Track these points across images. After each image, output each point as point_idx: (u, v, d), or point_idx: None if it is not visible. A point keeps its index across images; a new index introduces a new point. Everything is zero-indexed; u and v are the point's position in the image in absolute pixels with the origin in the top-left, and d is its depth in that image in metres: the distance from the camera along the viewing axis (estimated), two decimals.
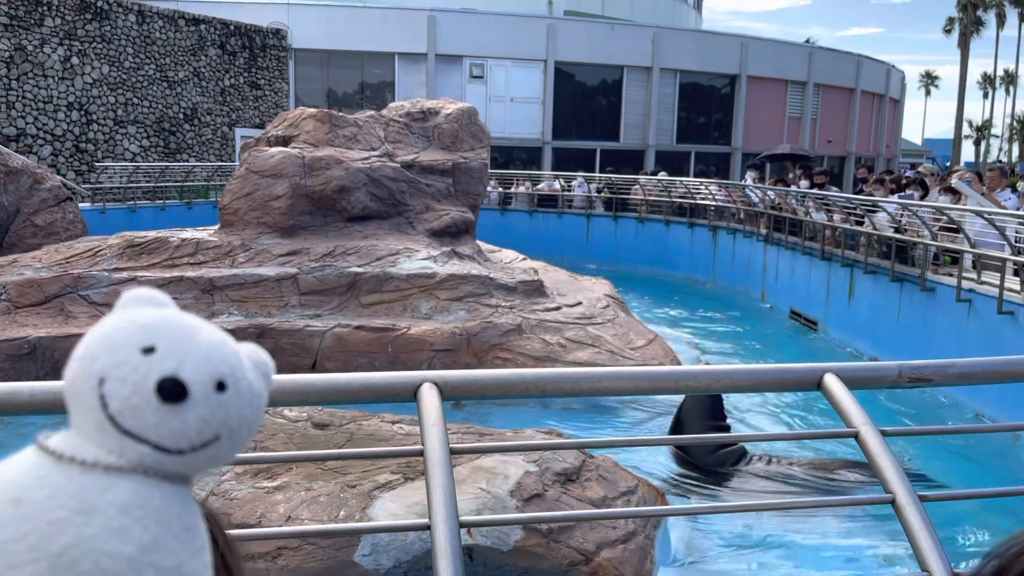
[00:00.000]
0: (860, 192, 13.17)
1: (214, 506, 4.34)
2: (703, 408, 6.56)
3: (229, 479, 4.57)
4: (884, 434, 1.42)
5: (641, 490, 5.46)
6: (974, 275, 8.96)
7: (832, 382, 1.48)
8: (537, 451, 4.44)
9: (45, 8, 18.99)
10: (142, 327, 0.72)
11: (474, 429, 5.50)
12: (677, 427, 6.63)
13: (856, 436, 1.40)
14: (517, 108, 28.99)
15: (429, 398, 1.31)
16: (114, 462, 0.69)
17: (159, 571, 0.66)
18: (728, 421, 6.84)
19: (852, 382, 1.50)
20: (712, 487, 6.11)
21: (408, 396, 1.35)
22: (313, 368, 8.91)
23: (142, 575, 0.65)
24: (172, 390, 0.69)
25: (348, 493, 4.39)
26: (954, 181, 10.64)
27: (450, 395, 1.33)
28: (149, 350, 0.70)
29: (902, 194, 11.66)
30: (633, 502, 5.29)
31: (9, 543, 0.63)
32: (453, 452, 1.22)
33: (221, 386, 0.71)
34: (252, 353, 0.78)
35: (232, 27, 23.86)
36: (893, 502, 1.34)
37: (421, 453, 1.22)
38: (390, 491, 4.43)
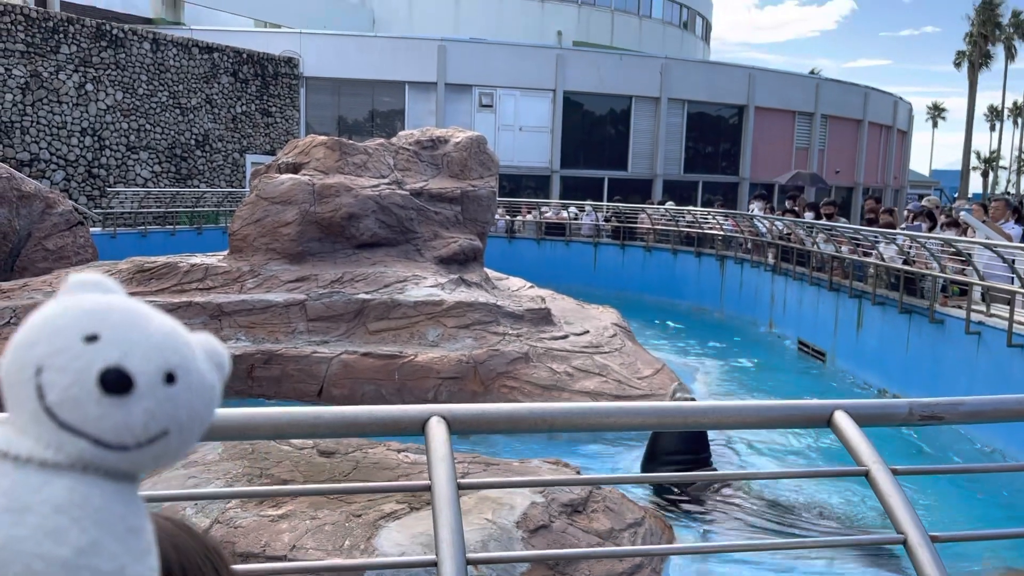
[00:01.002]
0: (869, 223, 13.17)
1: (217, 535, 4.32)
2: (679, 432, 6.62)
3: (234, 506, 4.55)
4: (895, 473, 1.41)
5: (648, 522, 5.41)
6: (983, 308, 8.92)
7: (842, 419, 1.47)
8: (546, 486, 4.40)
9: (61, 36, 19.27)
10: (85, 313, 0.66)
11: (481, 459, 5.47)
12: (651, 446, 6.75)
13: (867, 475, 1.39)
14: (526, 137, 29.18)
15: (437, 432, 1.31)
16: (50, 457, 0.63)
17: (97, 575, 0.61)
18: (719, 449, 6.98)
19: (862, 419, 1.49)
20: (686, 507, 6.20)
21: (416, 430, 1.34)
22: (319, 395, 8.90)
23: None
24: (116, 381, 0.64)
25: (353, 522, 4.36)
26: (962, 215, 10.62)
27: (458, 429, 1.33)
28: (92, 338, 0.65)
29: (910, 225, 11.65)
30: (640, 534, 5.24)
31: None
32: (461, 487, 1.22)
33: (170, 378, 0.66)
34: (205, 343, 0.73)
35: (245, 55, 24.15)
36: (904, 543, 1.32)
37: (428, 488, 1.22)
38: (395, 521, 4.40)
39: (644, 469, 6.74)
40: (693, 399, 7.16)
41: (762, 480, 6.22)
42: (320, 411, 1.36)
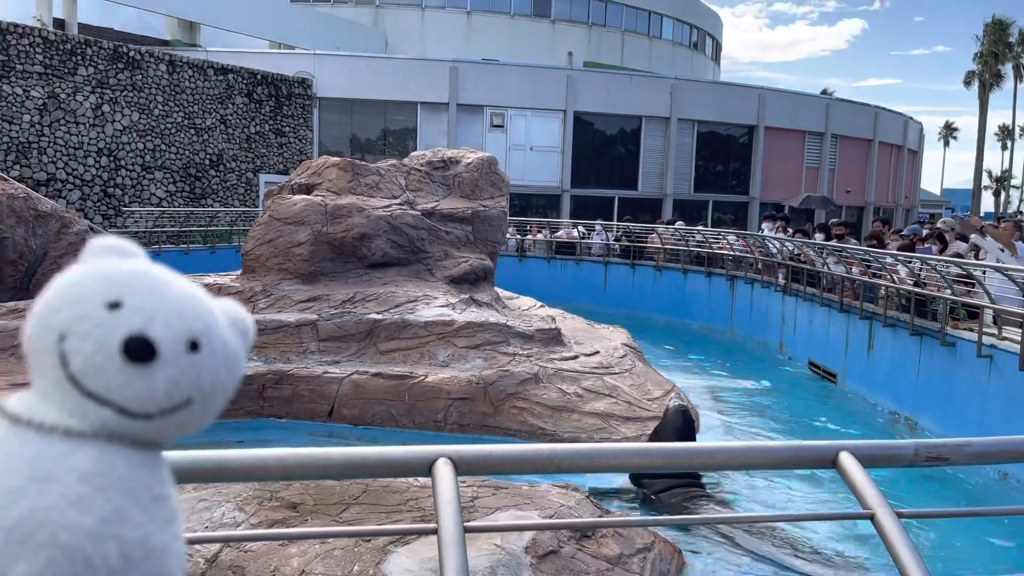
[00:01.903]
0: (877, 247, 13.12)
1: (227, 559, 4.33)
2: (671, 428, 7.12)
3: (244, 530, 4.56)
4: (900, 516, 1.41)
5: (657, 547, 5.39)
6: (995, 330, 8.87)
7: (847, 460, 1.48)
8: (558, 529, 4.40)
9: (79, 57, 19.54)
10: (108, 279, 0.65)
11: (490, 483, 5.47)
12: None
13: (872, 518, 1.40)
14: (536, 156, 29.31)
15: (444, 474, 1.33)
16: (75, 426, 0.62)
17: (123, 544, 0.59)
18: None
19: (868, 460, 1.50)
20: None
21: (423, 471, 1.36)
22: (330, 415, 8.92)
23: (104, 549, 0.59)
24: (139, 349, 0.62)
25: (363, 547, 4.37)
26: (973, 236, 10.59)
27: (465, 471, 1.35)
28: (115, 305, 0.63)
29: (921, 247, 11.62)
30: (649, 559, 5.22)
31: None
32: (468, 531, 1.24)
33: (194, 345, 0.64)
34: (229, 309, 0.71)
35: (259, 76, 24.41)
36: None
37: (435, 531, 1.24)
38: (404, 546, 4.40)
39: (632, 479, 7.07)
40: (680, 406, 7.36)
41: (765, 523, 6.20)
42: (329, 452, 1.39)
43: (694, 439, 7.34)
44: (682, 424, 7.28)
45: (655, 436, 7.42)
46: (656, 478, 6.86)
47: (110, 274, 0.65)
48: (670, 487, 6.84)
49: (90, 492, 0.60)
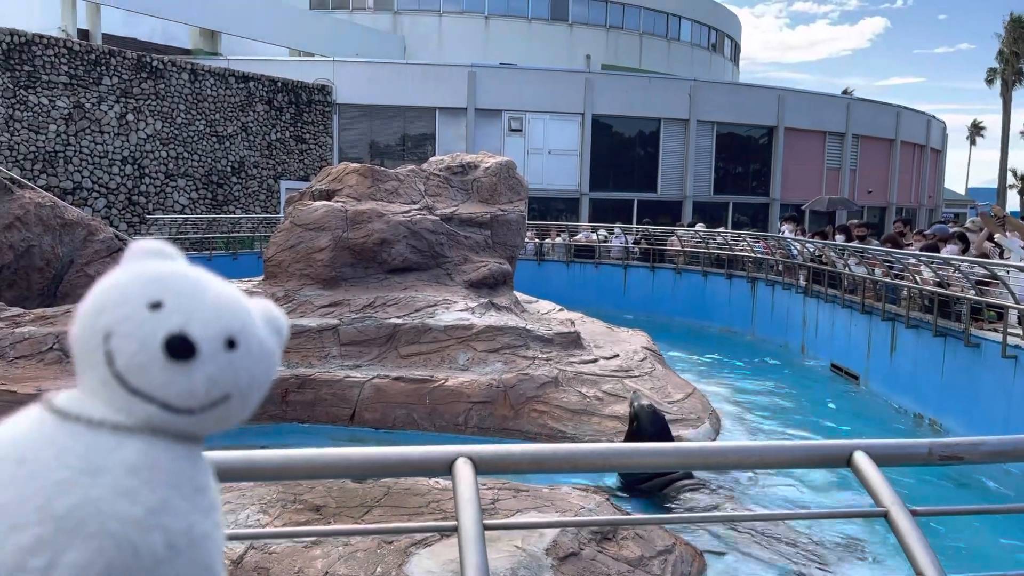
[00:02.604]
0: (897, 247, 13.02)
1: (252, 561, 4.39)
2: (650, 431, 7.19)
3: (269, 530, 4.62)
4: (914, 514, 1.43)
5: (678, 549, 5.39)
6: (1020, 331, 8.78)
7: (861, 460, 1.49)
8: (577, 526, 4.42)
9: (103, 68, 19.84)
10: (150, 281, 0.68)
11: (510, 485, 5.50)
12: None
13: (886, 516, 1.41)
14: (555, 160, 29.34)
15: (463, 474, 1.36)
16: (122, 421, 0.65)
17: (168, 534, 0.62)
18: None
19: (882, 460, 1.51)
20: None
21: (443, 471, 1.40)
22: (352, 419, 9.00)
23: (150, 538, 0.61)
24: (180, 347, 0.65)
25: (385, 549, 4.41)
26: (997, 236, 10.49)
27: (484, 470, 1.38)
28: (157, 305, 0.66)
29: (943, 248, 11.51)
30: (670, 561, 5.22)
31: (13, 504, 0.60)
32: (487, 528, 1.27)
33: (231, 344, 0.67)
34: (264, 309, 0.73)
35: (279, 84, 24.64)
36: None
37: (455, 529, 1.27)
38: (426, 547, 4.44)
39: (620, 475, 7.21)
40: (650, 406, 7.48)
41: (777, 521, 6.21)
42: (350, 452, 1.43)
43: (669, 435, 7.43)
44: (656, 421, 7.37)
45: (631, 438, 7.42)
46: (648, 479, 6.98)
47: (151, 276, 0.68)
48: (664, 485, 6.94)
49: (138, 484, 0.63)
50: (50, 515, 0.60)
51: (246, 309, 0.70)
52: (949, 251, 11.01)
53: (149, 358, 0.65)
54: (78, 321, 0.68)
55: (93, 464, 0.62)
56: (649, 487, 7.00)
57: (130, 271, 0.69)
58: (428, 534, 4.55)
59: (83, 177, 19.56)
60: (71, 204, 15.01)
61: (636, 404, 7.58)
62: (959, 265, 9.78)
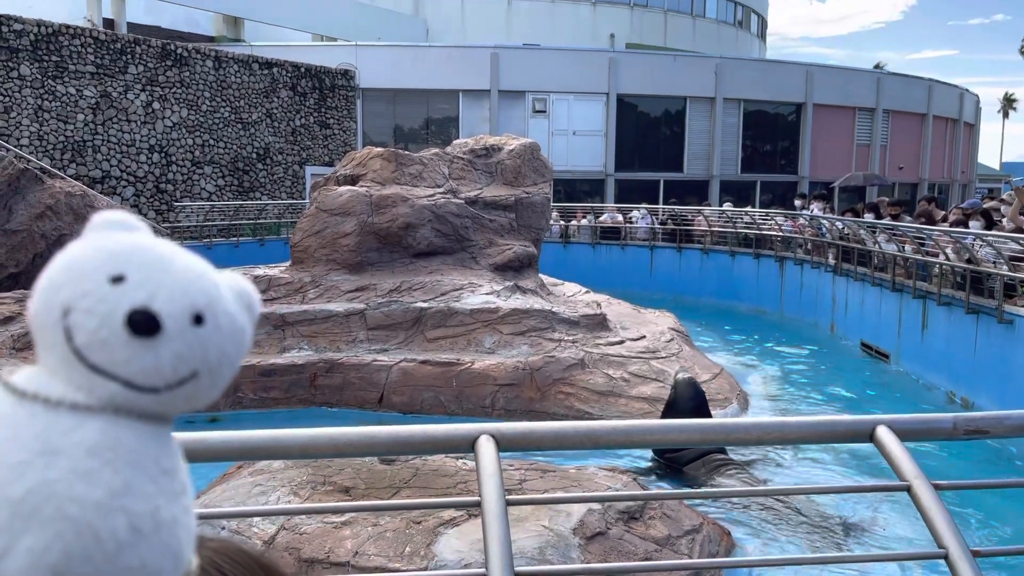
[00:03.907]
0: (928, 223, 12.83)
1: (283, 542, 4.47)
2: (686, 405, 7.30)
3: (304, 505, 4.70)
4: (937, 488, 1.42)
5: (706, 529, 5.40)
6: None
7: (884, 434, 1.49)
8: (597, 501, 4.44)
9: (129, 56, 20.03)
10: (111, 253, 0.64)
11: (538, 466, 5.53)
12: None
13: (908, 490, 1.41)
14: (580, 141, 29.18)
15: (486, 450, 1.38)
16: (82, 400, 0.62)
17: (131, 517, 0.60)
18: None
19: (905, 434, 1.51)
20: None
21: (466, 447, 1.41)
22: (380, 402, 9.09)
23: (112, 522, 0.59)
24: (143, 323, 0.62)
25: (414, 529, 4.47)
26: None
27: (506, 447, 1.39)
28: (118, 279, 0.63)
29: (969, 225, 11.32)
30: (698, 540, 5.23)
31: None
32: (509, 503, 1.29)
33: (198, 319, 0.64)
34: (234, 283, 0.70)
35: (303, 69, 24.72)
36: (946, 558, 1.34)
37: (478, 504, 1.29)
38: (454, 527, 4.49)
39: (656, 452, 7.34)
40: (689, 379, 7.49)
41: (803, 495, 6.19)
42: (375, 431, 1.45)
43: (707, 409, 7.49)
44: (694, 395, 7.44)
45: (669, 409, 7.52)
46: (680, 450, 7.01)
47: (113, 248, 0.65)
48: (696, 457, 6.96)
49: (98, 465, 0.60)
50: (5, 499, 0.56)
51: (214, 283, 0.67)
52: (972, 228, 10.82)
53: (111, 334, 0.62)
54: (36, 296, 0.65)
55: (50, 445, 0.59)
56: (675, 458, 7.04)
57: (91, 244, 0.65)
58: (456, 514, 4.60)
59: (111, 166, 19.81)
60: (100, 193, 15.22)
61: (677, 376, 7.68)
62: (992, 241, 9.62)
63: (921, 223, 12.15)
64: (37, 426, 0.60)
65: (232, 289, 0.69)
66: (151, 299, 0.62)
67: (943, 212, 13.22)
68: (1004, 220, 10.93)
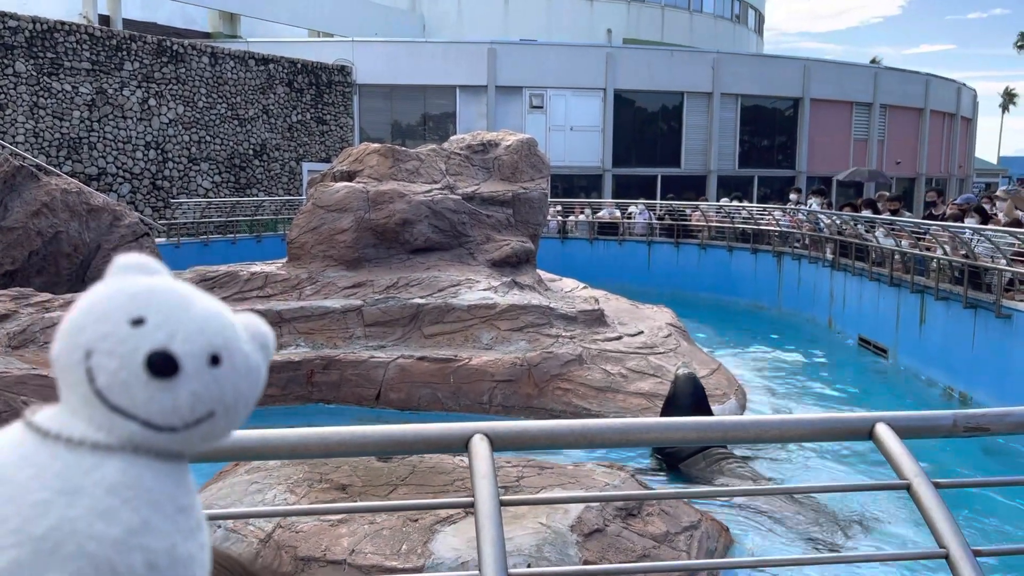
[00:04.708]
0: (930, 216, 12.84)
1: (280, 539, 4.44)
2: (686, 401, 7.28)
3: (297, 506, 4.68)
4: (937, 486, 1.40)
5: (704, 525, 5.38)
6: None
7: (884, 432, 1.47)
8: (592, 502, 4.42)
9: (125, 53, 19.95)
10: (131, 296, 0.67)
11: (535, 462, 5.51)
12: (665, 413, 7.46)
13: (908, 488, 1.39)
14: (577, 136, 29.13)
15: (480, 450, 1.36)
16: (102, 439, 0.64)
17: (149, 554, 0.61)
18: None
19: (905, 432, 1.49)
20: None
21: (460, 447, 1.39)
22: (377, 399, 9.06)
23: (130, 559, 0.61)
24: (162, 364, 0.64)
25: (411, 527, 4.45)
26: None
27: (500, 446, 1.37)
28: (138, 321, 0.65)
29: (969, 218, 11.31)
30: (696, 537, 5.22)
31: None
32: (503, 504, 1.26)
33: (215, 360, 0.66)
34: (249, 324, 0.72)
35: (299, 65, 24.65)
36: (947, 557, 1.32)
37: (472, 504, 1.27)
38: (451, 525, 4.47)
39: (654, 448, 7.32)
40: (688, 374, 7.47)
41: (800, 494, 6.18)
42: (367, 430, 1.43)
43: (707, 404, 7.48)
44: (694, 390, 7.42)
45: (668, 405, 7.50)
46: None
47: (133, 291, 0.67)
48: (695, 452, 6.97)
49: (117, 504, 0.62)
50: (28, 537, 0.59)
51: (231, 324, 0.69)
52: (968, 224, 10.81)
53: (131, 375, 0.64)
54: (59, 338, 0.67)
55: (71, 484, 0.62)
56: (674, 452, 7.04)
57: (112, 286, 0.68)
58: (454, 511, 4.58)
59: (107, 163, 19.75)
60: (96, 190, 15.16)
61: (677, 371, 7.68)
62: (990, 235, 9.60)
63: (928, 212, 12.11)
64: (59, 465, 0.63)
65: (247, 329, 0.72)
66: (170, 340, 0.65)
67: (944, 207, 13.20)
68: (1000, 215, 10.92)
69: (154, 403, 0.64)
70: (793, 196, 19.59)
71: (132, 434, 0.65)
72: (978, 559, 1.30)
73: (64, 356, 0.66)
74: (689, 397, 7.35)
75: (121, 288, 0.68)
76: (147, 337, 0.65)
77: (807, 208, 17.06)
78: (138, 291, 0.67)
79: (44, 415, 0.67)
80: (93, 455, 0.64)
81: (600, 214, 21.73)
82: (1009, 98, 74.57)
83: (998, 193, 13.00)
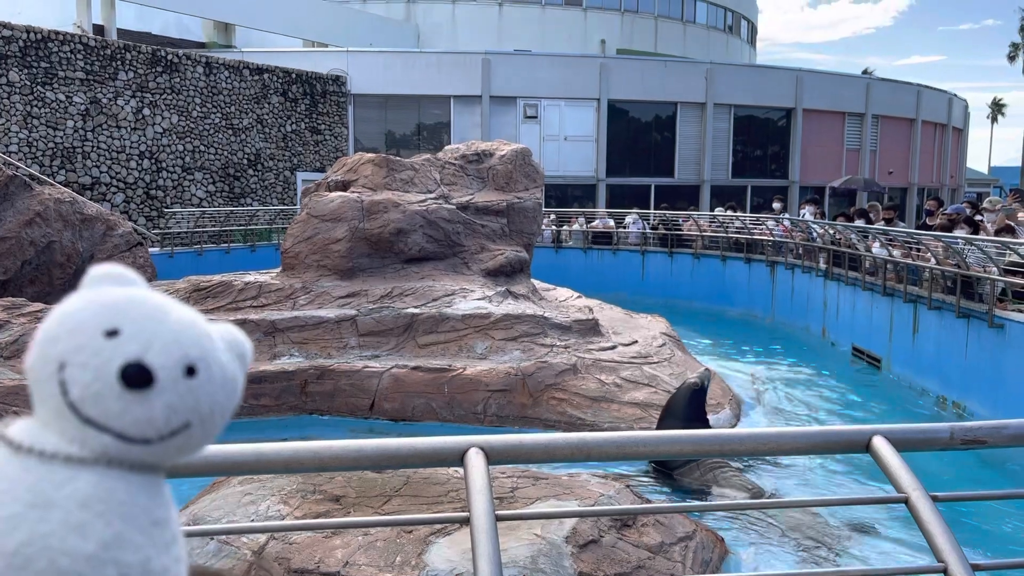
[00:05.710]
0: (924, 225, 12.89)
1: (273, 551, 4.41)
2: (683, 412, 7.27)
3: (289, 523, 4.65)
4: (935, 499, 1.40)
5: (699, 536, 5.37)
6: None
7: (881, 445, 1.46)
8: (587, 516, 4.41)
9: (119, 63, 19.94)
10: (105, 307, 0.65)
11: (530, 473, 5.50)
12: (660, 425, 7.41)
13: (906, 502, 1.38)
14: (571, 146, 29.20)
15: (475, 464, 1.35)
16: (75, 453, 0.63)
17: (122, 568, 0.60)
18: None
19: (902, 444, 1.48)
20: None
21: (455, 461, 1.38)
22: (371, 409, 9.03)
23: (103, 573, 0.59)
24: (137, 376, 0.63)
25: (404, 538, 4.42)
26: (1021, 216, 10.33)
27: (496, 460, 1.36)
28: (113, 333, 0.64)
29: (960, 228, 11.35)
30: (691, 547, 5.20)
31: None
32: (499, 519, 1.25)
33: (191, 370, 0.65)
34: (226, 334, 0.71)
35: (294, 75, 24.67)
36: (945, 572, 1.31)
37: (467, 520, 1.26)
38: (446, 536, 4.45)
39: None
40: (699, 384, 7.44)
41: (799, 508, 6.17)
42: (361, 444, 1.42)
43: (704, 415, 7.46)
44: (690, 400, 7.41)
45: (666, 410, 7.52)
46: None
47: (107, 302, 0.66)
48: (689, 460, 6.95)
49: (90, 518, 0.61)
50: None
51: (207, 334, 0.68)
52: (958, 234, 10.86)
53: (104, 387, 0.63)
54: (33, 350, 0.65)
55: (43, 498, 0.60)
56: (668, 461, 7.04)
57: (86, 298, 0.67)
58: (448, 524, 4.56)
59: (101, 172, 19.70)
60: (90, 199, 15.13)
61: (691, 380, 7.66)
62: (982, 245, 9.64)
63: (923, 221, 12.15)
64: (31, 479, 0.61)
65: (224, 338, 0.70)
66: (144, 352, 0.64)
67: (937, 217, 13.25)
68: (989, 225, 10.97)
69: (128, 415, 0.63)
70: (776, 205, 19.67)
71: (106, 447, 0.63)
72: (976, 574, 1.30)
73: (37, 368, 0.65)
74: (686, 409, 7.34)
75: (95, 299, 0.66)
76: (121, 348, 0.63)
77: (798, 218, 17.12)
78: (113, 302, 0.66)
79: (16, 428, 0.65)
80: (66, 468, 0.62)
81: (594, 224, 21.76)
82: (998, 108, 75.04)
83: (984, 205, 13.07)
